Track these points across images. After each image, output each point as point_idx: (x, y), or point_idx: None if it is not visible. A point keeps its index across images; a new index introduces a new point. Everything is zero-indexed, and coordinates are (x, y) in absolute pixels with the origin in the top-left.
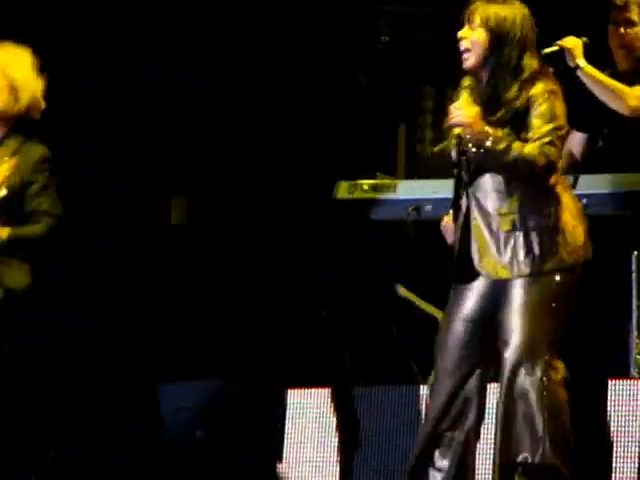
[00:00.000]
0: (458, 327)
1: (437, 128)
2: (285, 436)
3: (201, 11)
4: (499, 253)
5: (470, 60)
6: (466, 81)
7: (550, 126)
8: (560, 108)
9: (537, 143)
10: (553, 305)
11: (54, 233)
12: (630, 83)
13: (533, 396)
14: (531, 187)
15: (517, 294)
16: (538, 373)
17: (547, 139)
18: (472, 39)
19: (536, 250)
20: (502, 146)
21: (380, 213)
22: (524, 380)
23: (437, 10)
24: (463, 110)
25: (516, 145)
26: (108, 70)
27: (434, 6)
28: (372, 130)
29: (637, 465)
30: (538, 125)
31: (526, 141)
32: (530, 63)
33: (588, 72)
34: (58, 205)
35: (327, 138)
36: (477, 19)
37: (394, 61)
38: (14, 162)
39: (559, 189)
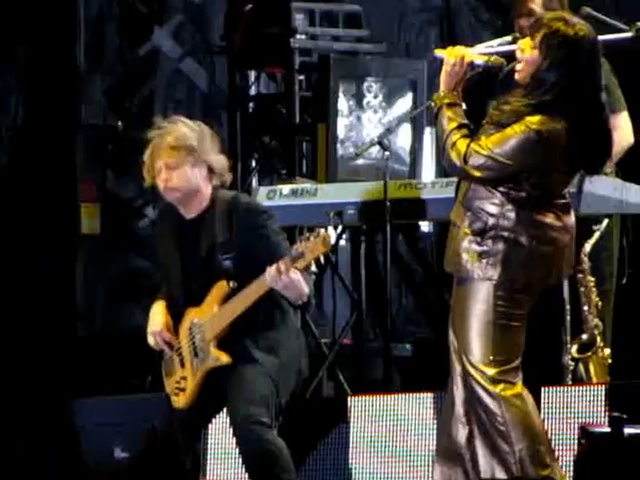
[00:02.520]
0: None
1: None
2: (209, 452)
3: None
4: (448, 245)
5: None
6: None
7: (495, 148)
8: (518, 148)
9: (471, 146)
10: (473, 309)
11: None
12: None
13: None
14: (488, 191)
15: (454, 291)
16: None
17: (482, 152)
18: None
19: (463, 249)
20: (448, 113)
21: (301, 218)
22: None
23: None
24: (454, 53)
25: (457, 128)
26: None
27: (350, 1)
28: (289, 132)
29: (572, 473)
30: (490, 138)
31: None
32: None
33: None
34: None
35: (245, 141)
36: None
37: (312, 58)
38: None
39: (515, 204)
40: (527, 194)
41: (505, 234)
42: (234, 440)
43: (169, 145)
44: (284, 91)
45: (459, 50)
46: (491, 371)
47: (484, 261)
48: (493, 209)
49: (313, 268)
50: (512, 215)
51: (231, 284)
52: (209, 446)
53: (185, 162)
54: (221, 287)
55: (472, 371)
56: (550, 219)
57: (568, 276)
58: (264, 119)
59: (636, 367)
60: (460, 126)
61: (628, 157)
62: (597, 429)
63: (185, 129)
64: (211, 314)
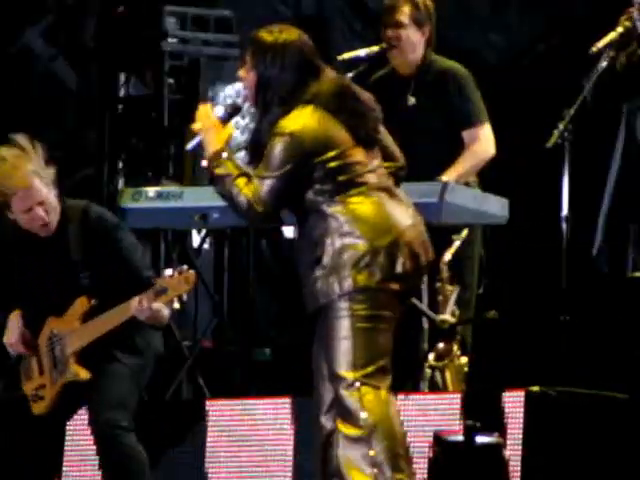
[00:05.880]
0: None
1: None
2: (65, 453)
3: None
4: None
5: None
6: None
7: (262, 172)
8: (283, 153)
9: (252, 187)
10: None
11: None
12: (408, 88)
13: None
14: (308, 215)
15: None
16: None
17: (260, 183)
18: None
19: (312, 284)
20: (221, 171)
21: (166, 221)
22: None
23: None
24: (201, 119)
25: (235, 180)
26: None
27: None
28: (157, 134)
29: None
30: (258, 168)
31: None
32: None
33: None
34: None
35: (113, 142)
36: None
37: (182, 62)
38: None
39: (333, 212)
40: (342, 197)
41: (344, 242)
42: (91, 442)
43: (26, 186)
44: (153, 94)
45: (200, 113)
46: (355, 374)
47: (335, 277)
48: (324, 226)
49: (176, 305)
50: (342, 220)
51: (92, 302)
52: (66, 447)
53: (47, 195)
54: (82, 303)
55: (336, 374)
56: (379, 211)
57: (428, 270)
58: (133, 121)
59: (492, 375)
60: (236, 177)
61: (489, 168)
62: (450, 437)
63: (26, 164)
64: (72, 328)
